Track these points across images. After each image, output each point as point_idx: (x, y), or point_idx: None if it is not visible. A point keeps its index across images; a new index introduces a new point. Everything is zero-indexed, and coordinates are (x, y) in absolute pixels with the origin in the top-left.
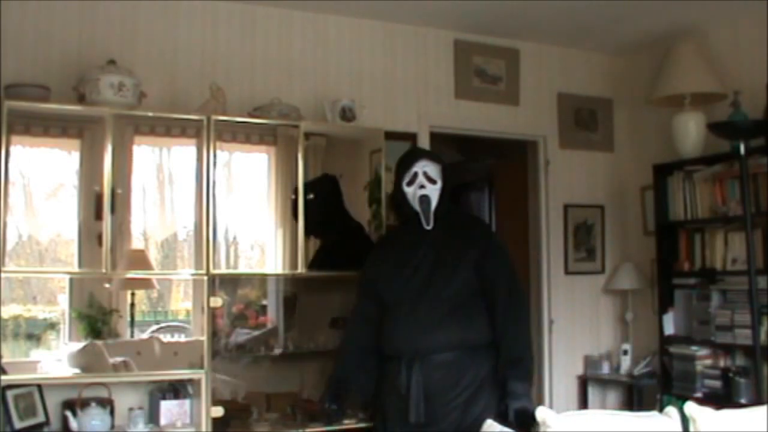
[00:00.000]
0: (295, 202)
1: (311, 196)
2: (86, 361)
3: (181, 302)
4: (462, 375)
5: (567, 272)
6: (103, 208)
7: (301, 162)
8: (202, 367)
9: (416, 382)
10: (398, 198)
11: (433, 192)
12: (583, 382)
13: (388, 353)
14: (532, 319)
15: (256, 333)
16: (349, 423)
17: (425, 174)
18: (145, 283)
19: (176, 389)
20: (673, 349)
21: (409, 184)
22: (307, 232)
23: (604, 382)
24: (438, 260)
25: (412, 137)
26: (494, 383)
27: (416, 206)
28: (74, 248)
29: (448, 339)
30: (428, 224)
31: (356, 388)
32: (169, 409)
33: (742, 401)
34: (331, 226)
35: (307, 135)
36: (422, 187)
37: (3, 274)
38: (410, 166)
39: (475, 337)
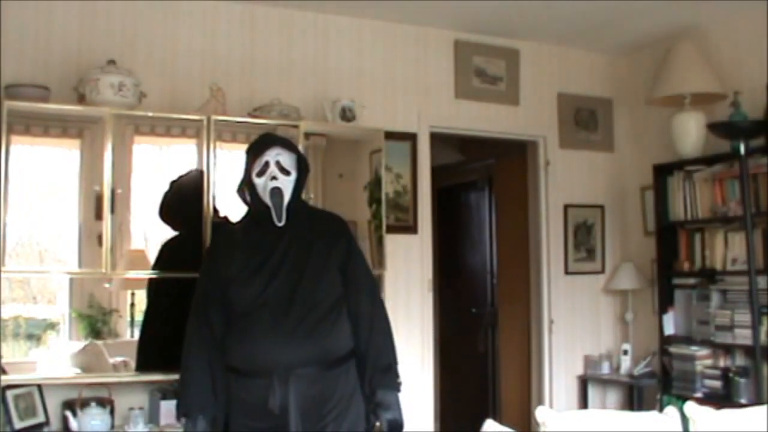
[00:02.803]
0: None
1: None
2: (86, 361)
3: None
4: (333, 390)
5: (567, 272)
6: (103, 208)
7: None
8: None
9: (294, 400)
10: (248, 190)
11: (287, 184)
12: (583, 382)
13: (246, 369)
14: (531, 320)
15: None
16: None
17: (278, 164)
18: (145, 283)
19: (176, 389)
20: (673, 349)
21: (260, 174)
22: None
23: (604, 382)
24: (300, 262)
25: (412, 137)
26: (359, 395)
27: (267, 200)
28: (74, 248)
29: (319, 351)
30: (280, 220)
31: (213, 415)
32: (169, 409)
33: (742, 401)
34: (191, 220)
35: (307, 135)
36: (274, 178)
37: (3, 274)
38: (260, 154)
39: (342, 347)
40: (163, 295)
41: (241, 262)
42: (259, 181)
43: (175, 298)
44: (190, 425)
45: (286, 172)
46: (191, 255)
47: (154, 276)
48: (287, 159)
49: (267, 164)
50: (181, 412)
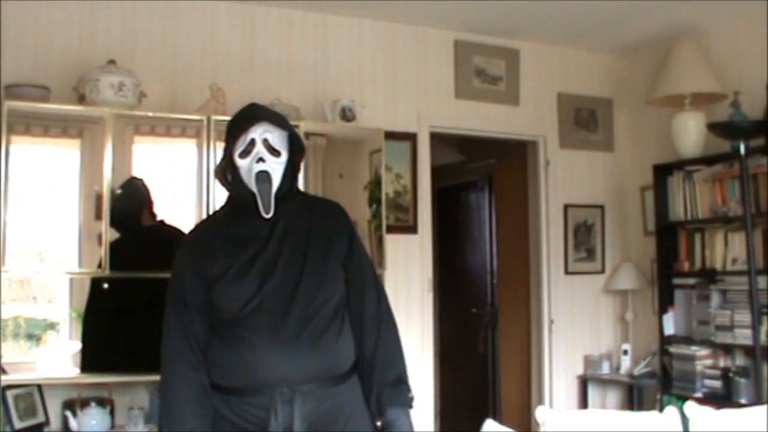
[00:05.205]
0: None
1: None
2: None
3: None
4: (341, 409)
5: (567, 272)
6: (103, 208)
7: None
8: None
9: (300, 421)
10: (230, 173)
11: (276, 167)
12: (583, 382)
13: (238, 387)
14: (531, 320)
15: None
16: None
17: (265, 142)
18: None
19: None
20: (673, 349)
21: (244, 155)
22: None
23: (604, 382)
24: (298, 259)
25: (412, 137)
26: (365, 412)
27: (252, 186)
28: (74, 248)
29: (326, 362)
30: (267, 211)
31: None
32: None
33: (742, 401)
34: (130, 225)
35: (307, 135)
36: (261, 160)
37: (3, 274)
38: (244, 130)
39: (349, 359)
40: (107, 294)
41: (226, 258)
42: (242, 163)
43: (119, 297)
44: None
45: (276, 153)
46: (131, 256)
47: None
48: (277, 137)
49: (252, 143)
50: None
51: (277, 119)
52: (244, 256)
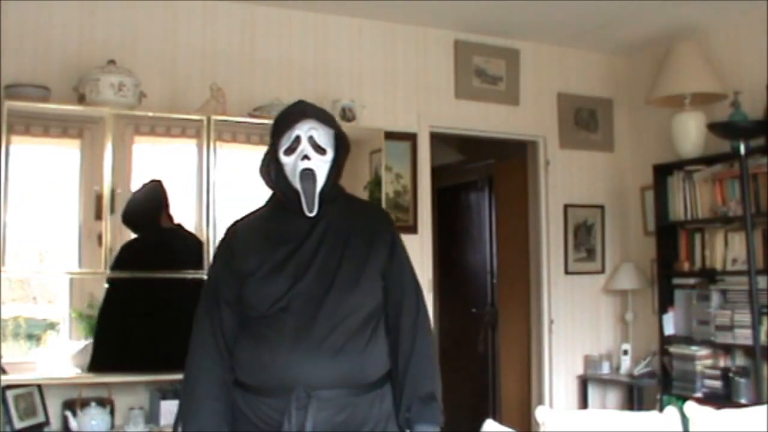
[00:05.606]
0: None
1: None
2: (86, 361)
3: None
4: (364, 420)
5: (567, 272)
6: (103, 208)
7: None
8: None
9: (312, 427)
10: (273, 170)
11: (321, 165)
12: (583, 382)
13: (258, 386)
14: (531, 320)
15: None
16: None
17: (311, 140)
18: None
19: (176, 389)
20: (673, 349)
21: (289, 152)
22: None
23: (604, 382)
24: (333, 261)
25: (412, 137)
26: (393, 425)
27: (296, 184)
28: (74, 248)
29: (349, 371)
30: (311, 209)
31: None
32: (169, 409)
33: (742, 401)
34: (149, 226)
35: None
36: (306, 157)
37: (3, 274)
38: (290, 126)
39: (377, 369)
40: (120, 294)
41: (261, 255)
42: (287, 160)
43: (132, 298)
44: None
45: (321, 151)
46: (150, 256)
47: (114, 276)
48: (323, 135)
49: (298, 140)
50: None
51: (324, 117)
52: (279, 254)
